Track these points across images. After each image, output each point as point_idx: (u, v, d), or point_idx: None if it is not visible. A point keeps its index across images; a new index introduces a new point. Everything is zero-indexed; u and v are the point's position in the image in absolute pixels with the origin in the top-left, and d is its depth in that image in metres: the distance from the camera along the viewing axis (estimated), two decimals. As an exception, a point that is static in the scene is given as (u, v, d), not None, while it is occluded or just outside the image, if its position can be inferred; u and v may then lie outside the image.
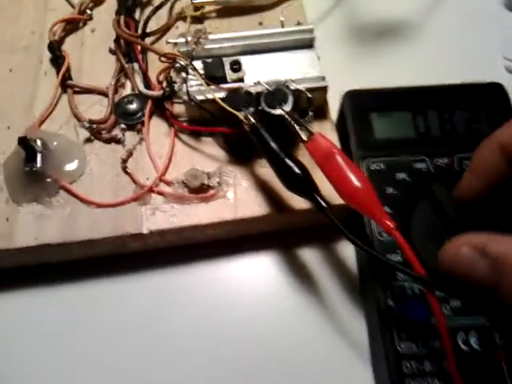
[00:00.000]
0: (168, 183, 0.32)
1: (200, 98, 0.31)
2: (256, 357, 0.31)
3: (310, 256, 0.34)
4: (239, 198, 0.32)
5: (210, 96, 0.31)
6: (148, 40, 0.37)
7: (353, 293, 0.32)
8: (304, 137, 0.29)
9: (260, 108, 0.30)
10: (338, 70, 0.39)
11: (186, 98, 0.31)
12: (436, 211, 0.31)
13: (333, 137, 0.34)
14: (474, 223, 0.29)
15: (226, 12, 0.38)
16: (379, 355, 0.29)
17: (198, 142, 0.34)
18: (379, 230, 0.31)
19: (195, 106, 0.31)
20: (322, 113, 0.34)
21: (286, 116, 0.29)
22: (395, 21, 0.43)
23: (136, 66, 0.35)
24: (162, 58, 0.33)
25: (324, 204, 0.27)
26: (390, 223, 0.26)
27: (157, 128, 0.34)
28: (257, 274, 0.33)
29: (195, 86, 0.32)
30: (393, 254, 0.30)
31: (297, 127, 0.29)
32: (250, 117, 0.29)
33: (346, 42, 0.42)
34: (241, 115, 0.29)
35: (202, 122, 0.33)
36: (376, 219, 0.26)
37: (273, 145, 0.28)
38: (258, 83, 0.31)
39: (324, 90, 0.33)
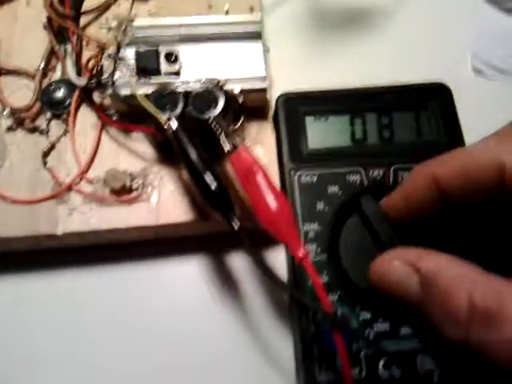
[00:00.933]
0: (90, 181, 0.30)
1: (125, 92, 0.29)
2: (172, 365, 0.30)
3: (240, 261, 0.32)
4: (163, 203, 0.30)
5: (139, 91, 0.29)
6: (86, 18, 0.34)
7: (282, 307, 0.31)
8: (228, 147, 0.27)
9: (187, 110, 0.28)
10: (293, 62, 0.38)
11: (111, 91, 0.29)
12: (366, 227, 0.30)
13: (271, 142, 0.32)
14: (405, 240, 0.28)
15: (173, -9, 0.36)
16: (301, 380, 0.28)
17: (127, 137, 0.32)
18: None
19: (120, 100, 0.29)
20: (262, 114, 0.32)
21: (212, 122, 0.28)
22: (361, 9, 0.40)
23: (70, 47, 0.33)
24: (90, 45, 0.30)
25: (236, 226, 0.26)
26: (300, 252, 0.25)
27: (85, 119, 0.32)
28: (182, 277, 0.32)
29: (126, 77, 0.30)
30: (319, 276, 0.29)
31: (222, 136, 0.27)
32: (171, 120, 0.27)
33: (305, 31, 0.39)
34: (162, 118, 0.27)
35: (133, 115, 0.31)
36: (288, 247, 0.25)
37: (192, 155, 0.27)
38: (188, 82, 0.29)
39: (263, 91, 0.31)
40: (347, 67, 0.37)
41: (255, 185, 0.26)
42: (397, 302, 0.28)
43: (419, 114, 0.33)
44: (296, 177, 0.31)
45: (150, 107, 0.27)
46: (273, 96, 0.34)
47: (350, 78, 0.35)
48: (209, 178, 0.26)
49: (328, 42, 0.39)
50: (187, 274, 0.32)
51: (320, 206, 0.31)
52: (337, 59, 0.38)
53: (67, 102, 0.32)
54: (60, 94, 0.32)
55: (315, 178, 0.31)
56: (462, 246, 0.27)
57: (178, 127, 0.27)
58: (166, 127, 0.27)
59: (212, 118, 0.27)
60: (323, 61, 0.38)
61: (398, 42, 0.39)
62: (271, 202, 0.25)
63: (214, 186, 0.26)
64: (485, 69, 0.38)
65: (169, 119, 0.27)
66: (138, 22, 0.30)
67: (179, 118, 0.28)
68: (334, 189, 0.31)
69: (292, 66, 0.37)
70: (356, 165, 0.31)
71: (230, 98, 0.29)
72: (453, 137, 0.32)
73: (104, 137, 0.32)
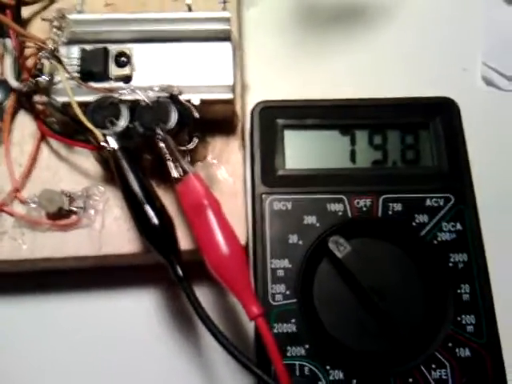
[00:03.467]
0: (24, 201, 0.26)
1: (63, 99, 0.25)
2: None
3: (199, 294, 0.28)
4: (107, 230, 0.26)
5: (79, 98, 0.25)
6: (30, 8, 0.29)
7: (247, 346, 0.26)
8: (175, 174, 0.22)
9: (131, 125, 0.24)
10: (273, 65, 0.33)
11: (46, 97, 0.25)
12: (339, 273, 0.25)
13: (238, 160, 0.27)
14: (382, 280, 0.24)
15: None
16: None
17: (70, 150, 0.27)
18: (273, 292, 0.25)
19: (55, 109, 0.25)
20: (229, 127, 0.28)
21: (160, 141, 0.23)
22: (356, 6, 0.34)
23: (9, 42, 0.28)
24: (28, 42, 0.26)
25: (181, 273, 0.21)
26: (254, 309, 0.20)
27: (23, 127, 0.27)
28: (129, 311, 0.27)
29: (66, 81, 0.25)
30: (286, 324, 0.24)
31: (169, 159, 0.22)
32: (109, 138, 0.23)
33: (289, 29, 0.34)
34: (99, 134, 0.23)
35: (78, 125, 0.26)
36: (241, 301, 0.21)
37: (131, 181, 0.22)
38: (134, 91, 0.24)
39: (230, 103, 0.26)
40: (336, 74, 0.32)
41: (204, 221, 0.21)
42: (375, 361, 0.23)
43: (418, 134, 0.28)
44: (267, 202, 0.27)
45: (85, 120, 0.23)
46: (248, 104, 0.30)
47: (339, 87, 0.31)
48: (150, 211, 0.21)
49: (316, 43, 0.33)
50: (135, 308, 0.27)
51: (293, 239, 0.26)
52: (325, 64, 0.32)
53: (3, 107, 0.27)
54: (-5, 96, 0.27)
55: (290, 205, 0.27)
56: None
57: (116, 147, 0.22)
58: (105, 145, 0.23)
59: (160, 137, 0.23)
60: (309, 65, 0.32)
61: (397, 45, 0.33)
62: (221, 243, 0.21)
63: (155, 221, 0.21)
64: (496, 78, 0.33)
65: (105, 136, 0.23)
66: (80, 16, 0.25)
67: (121, 135, 0.23)
68: (311, 219, 0.26)
69: (272, 70, 0.32)
70: (339, 192, 0.27)
71: (186, 111, 0.24)
72: (456, 164, 0.27)
73: (43, 149, 0.27)
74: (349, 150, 0.28)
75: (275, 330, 0.24)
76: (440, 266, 0.25)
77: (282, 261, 0.25)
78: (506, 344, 0.24)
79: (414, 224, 0.26)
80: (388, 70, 0.33)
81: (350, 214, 0.26)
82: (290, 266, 0.25)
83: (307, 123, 0.28)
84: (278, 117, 0.28)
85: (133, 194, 0.22)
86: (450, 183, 0.27)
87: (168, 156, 0.22)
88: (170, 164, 0.22)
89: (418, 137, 0.28)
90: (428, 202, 0.26)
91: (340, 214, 0.26)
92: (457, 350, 0.24)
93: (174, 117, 0.23)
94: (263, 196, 0.26)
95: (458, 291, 0.25)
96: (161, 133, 0.23)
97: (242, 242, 0.24)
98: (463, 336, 0.24)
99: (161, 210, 0.22)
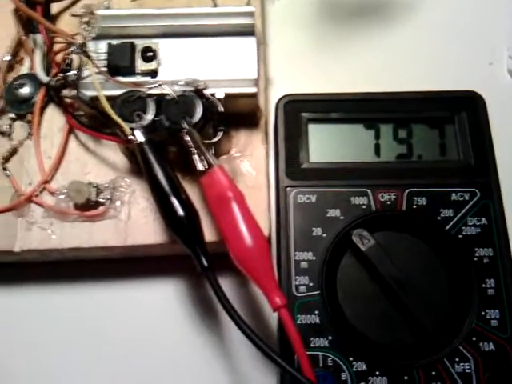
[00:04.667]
0: (53, 192, 0.27)
1: (91, 93, 0.25)
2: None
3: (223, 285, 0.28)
4: (133, 221, 0.26)
5: (107, 93, 0.25)
6: (60, 4, 0.30)
7: (270, 337, 0.26)
8: (200, 167, 0.23)
9: (158, 119, 0.24)
10: (297, 59, 0.33)
11: (75, 91, 0.25)
12: (363, 265, 0.25)
13: (261, 154, 0.27)
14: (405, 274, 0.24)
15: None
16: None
17: (98, 143, 0.28)
18: (296, 284, 0.25)
19: (84, 102, 0.25)
20: (252, 121, 0.28)
21: (185, 135, 0.23)
22: (380, 0, 0.34)
23: (40, 38, 0.29)
24: (58, 38, 0.26)
25: (206, 264, 0.21)
26: (277, 300, 0.20)
27: (52, 121, 0.28)
28: (154, 300, 0.28)
29: (95, 75, 0.26)
30: (309, 315, 0.25)
31: (194, 152, 0.23)
32: (136, 131, 0.23)
33: (313, 23, 0.34)
34: (127, 127, 0.23)
35: (106, 119, 0.27)
36: (264, 292, 0.21)
37: (158, 174, 0.22)
38: (160, 85, 0.24)
39: (253, 96, 0.26)
40: (360, 68, 0.32)
41: (228, 213, 0.21)
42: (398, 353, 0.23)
43: (444, 128, 0.28)
44: (292, 195, 0.27)
45: (113, 114, 0.23)
46: (272, 99, 0.30)
47: (364, 81, 0.31)
48: (176, 203, 0.22)
49: (339, 38, 0.33)
50: (160, 298, 0.28)
51: (317, 231, 0.26)
52: (348, 58, 0.32)
53: (33, 101, 0.28)
54: (25, 91, 0.28)
55: (314, 198, 0.27)
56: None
57: (143, 140, 0.23)
58: (132, 138, 0.23)
59: (185, 130, 0.23)
60: (332, 60, 0.32)
61: (422, 39, 0.33)
62: (245, 235, 0.21)
63: (180, 213, 0.22)
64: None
65: (133, 129, 0.23)
66: (108, 12, 0.26)
67: (148, 128, 0.23)
68: (334, 212, 0.26)
69: (295, 64, 0.32)
70: (363, 185, 0.27)
71: (211, 104, 0.24)
72: (482, 158, 0.27)
73: (72, 142, 0.28)
74: (373, 143, 0.28)
75: (298, 321, 0.24)
76: (465, 261, 0.25)
77: (305, 253, 0.26)
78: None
79: (438, 218, 0.26)
80: (413, 64, 0.32)
81: (374, 208, 0.26)
82: (313, 258, 0.26)
83: (332, 117, 0.28)
84: (302, 110, 0.28)
85: (159, 186, 0.22)
86: (476, 177, 0.27)
87: (193, 149, 0.23)
88: (195, 157, 0.23)
89: (444, 131, 0.28)
90: (453, 197, 0.26)
91: (364, 207, 0.26)
92: (481, 344, 0.24)
93: (199, 111, 0.24)
94: (287, 189, 0.27)
95: (483, 286, 0.24)
96: (186, 126, 0.23)
97: (265, 234, 0.24)
98: (487, 330, 0.24)
99: (186, 202, 0.22)
